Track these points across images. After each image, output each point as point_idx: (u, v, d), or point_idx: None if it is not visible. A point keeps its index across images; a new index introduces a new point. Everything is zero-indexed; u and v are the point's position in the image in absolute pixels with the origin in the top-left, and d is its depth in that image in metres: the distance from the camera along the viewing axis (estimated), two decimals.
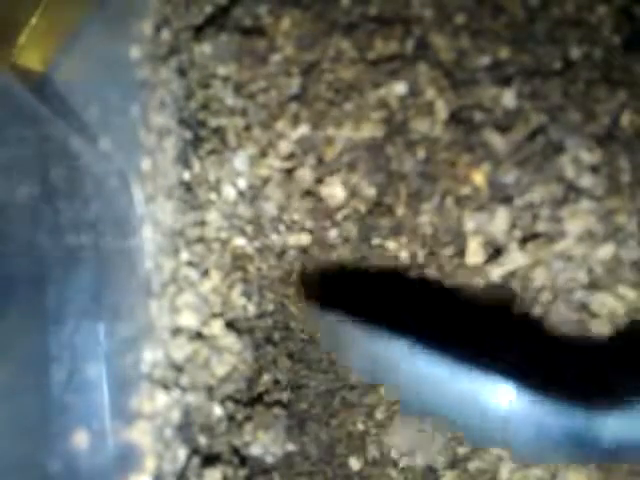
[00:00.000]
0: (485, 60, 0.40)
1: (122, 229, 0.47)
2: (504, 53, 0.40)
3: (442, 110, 0.40)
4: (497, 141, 0.40)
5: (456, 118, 0.40)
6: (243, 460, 0.42)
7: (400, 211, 0.42)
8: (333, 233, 0.44)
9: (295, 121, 0.42)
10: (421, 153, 0.41)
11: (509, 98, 0.40)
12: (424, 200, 0.42)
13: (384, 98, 0.41)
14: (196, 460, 0.40)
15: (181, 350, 0.41)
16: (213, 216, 0.43)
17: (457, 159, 0.41)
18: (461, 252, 0.43)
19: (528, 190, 0.40)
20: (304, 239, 0.44)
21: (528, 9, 0.41)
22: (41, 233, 0.48)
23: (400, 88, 0.41)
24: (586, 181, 0.40)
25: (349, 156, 0.42)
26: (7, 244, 0.46)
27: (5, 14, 0.50)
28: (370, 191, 0.42)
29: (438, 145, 0.41)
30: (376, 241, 0.44)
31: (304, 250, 0.45)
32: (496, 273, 0.42)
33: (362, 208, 0.43)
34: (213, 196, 0.43)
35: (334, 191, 0.42)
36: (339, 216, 0.43)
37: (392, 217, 0.43)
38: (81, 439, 0.46)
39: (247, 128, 0.42)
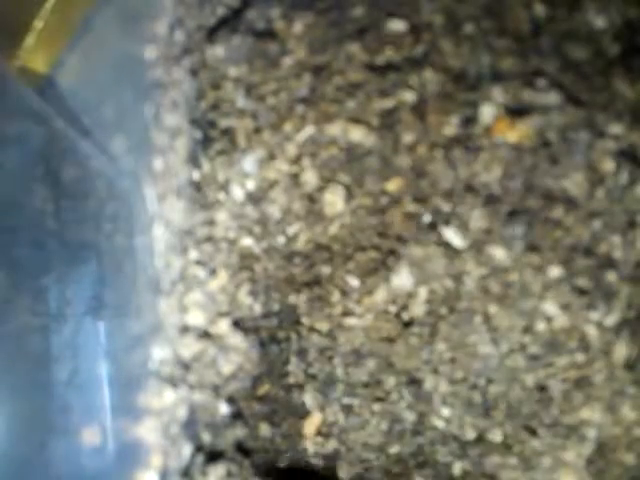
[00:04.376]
0: (489, 68, 0.41)
1: (131, 228, 0.47)
2: (508, 62, 0.41)
3: (448, 115, 0.41)
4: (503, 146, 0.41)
5: (461, 122, 0.41)
6: (247, 457, 0.42)
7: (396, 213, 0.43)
8: (331, 237, 0.44)
9: (301, 123, 0.42)
10: (421, 154, 0.41)
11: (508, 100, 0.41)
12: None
13: (391, 103, 0.41)
14: (200, 457, 0.41)
15: (189, 348, 0.41)
16: (222, 216, 0.43)
17: (460, 164, 0.41)
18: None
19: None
20: (306, 242, 0.45)
21: (534, 21, 0.41)
22: (46, 232, 0.48)
23: (407, 94, 0.41)
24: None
25: (352, 159, 0.42)
26: (12, 242, 0.46)
27: (12, 15, 0.50)
28: (368, 197, 0.43)
29: (440, 148, 0.41)
30: (372, 252, 0.44)
31: (305, 253, 0.45)
32: None
33: (360, 213, 0.43)
34: (222, 196, 0.43)
35: (333, 197, 0.43)
36: (337, 220, 0.44)
37: (390, 221, 0.43)
38: (84, 436, 0.47)
39: (257, 130, 0.42)
